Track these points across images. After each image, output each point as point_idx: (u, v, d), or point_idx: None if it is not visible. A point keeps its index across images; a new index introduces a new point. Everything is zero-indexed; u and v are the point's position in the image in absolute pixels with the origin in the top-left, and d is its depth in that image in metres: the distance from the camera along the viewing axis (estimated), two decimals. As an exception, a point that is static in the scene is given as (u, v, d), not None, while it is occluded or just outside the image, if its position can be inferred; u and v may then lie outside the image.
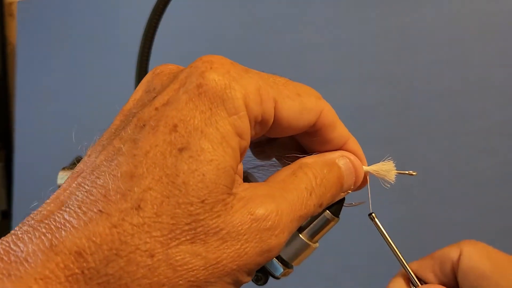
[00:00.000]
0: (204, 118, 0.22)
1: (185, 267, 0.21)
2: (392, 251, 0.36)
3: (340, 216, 0.31)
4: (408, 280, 0.38)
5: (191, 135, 0.22)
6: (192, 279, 0.21)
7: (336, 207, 0.30)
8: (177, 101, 0.23)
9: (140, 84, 0.26)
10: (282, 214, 0.24)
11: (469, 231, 0.70)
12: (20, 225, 0.22)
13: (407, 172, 0.33)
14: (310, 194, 0.26)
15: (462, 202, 0.72)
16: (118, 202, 0.21)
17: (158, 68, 0.26)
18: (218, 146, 0.22)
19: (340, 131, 0.28)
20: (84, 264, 0.20)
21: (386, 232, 0.35)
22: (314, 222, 0.30)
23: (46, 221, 0.21)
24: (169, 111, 0.22)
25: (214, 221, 0.22)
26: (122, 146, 0.22)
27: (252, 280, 0.30)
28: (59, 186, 0.42)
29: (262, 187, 0.25)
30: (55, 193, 0.23)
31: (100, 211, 0.21)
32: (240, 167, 0.26)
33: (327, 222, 0.30)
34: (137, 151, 0.22)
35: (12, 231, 0.21)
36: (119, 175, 0.21)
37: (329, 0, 0.80)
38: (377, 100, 0.76)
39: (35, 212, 0.22)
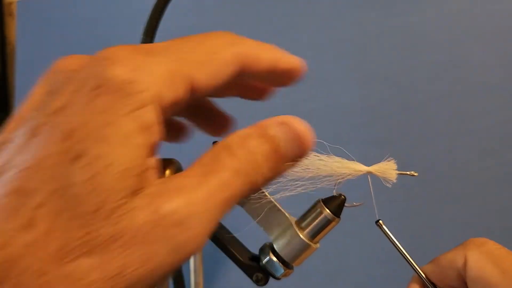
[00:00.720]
0: (103, 119, 0.21)
1: (83, 281, 0.20)
2: (403, 256, 0.36)
3: (341, 216, 0.31)
4: (423, 284, 0.37)
5: (87, 140, 0.20)
6: None
7: (337, 207, 0.30)
8: (75, 105, 0.21)
9: (38, 81, 0.24)
10: (195, 204, 0.22)
11: (469, 231, 0.70)
12: None
13: (408, 172, 0.33)
14: (234, 174, 0.23)
15: (462, 202, 0.72)
16: (8, 220, 0.19)
17: (56, 65, 0.24)
18: (118, 147, 0.21)
19: (266, 56, 0.27)
20: None
21: (395, 238, 0.35)
22: (315, 223, 0.30)
23: None
24: (64, 117, 0.21)
25: (112, 229, 0.20)
26: (13, 158, 0.21)
27: (253, 281, 0.30)
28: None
29: (176, 178, 0.23)
30: None
31: None
32: (155, 162, 0.23)
33: (328, 222, 0.30)
34: (28, 163, 0.20)
35: None
36: (9, 190, 0.20)
37: (329, 0, 0.80)
38: (377, 100, 0.76)
39: None
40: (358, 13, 0.79)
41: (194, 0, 0.88)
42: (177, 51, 0.24)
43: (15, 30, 1.05)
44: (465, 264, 0.33)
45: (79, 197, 0.20)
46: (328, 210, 0.30)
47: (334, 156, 0.30)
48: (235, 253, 0.31)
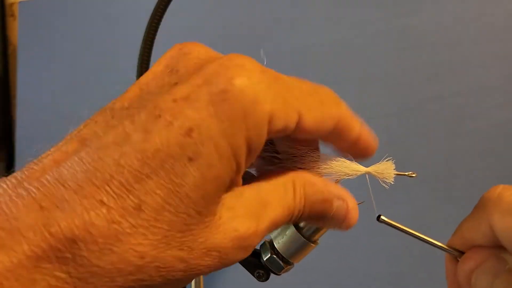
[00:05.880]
0: (221, 128, 0.22)
1: (168, 269, 0.22)
2: (420, 239, 0.36)
3: None
4: (453, 258, 0.36)
5: (203, 145, 0.21)
6: (170, 277, 0.22)
7: None
8: (198, 101, 0.22)
9: (163, 57, 0.25)
10: (261, 232, 0.25)
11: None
12: (11, 178, 0.22)
13: (406, 173, 0.33)
14: (292, 214, 0.27)
15: (462, 202, 0.72)
16: (121, 198, 0.21)
17: (186, 47, 0.25)
18: (226, 161, 0.22)
19: (357, 130, 0.29)
20: (76, 252, 0.20)
21: (402, 225, 0.35)
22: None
23: (42, 190, 0.21)
24: (187, 109, 0.21)
25: (203, 231, 0.22)
26: (132, 133, 0.21)
27: (255, 277, 0.31)
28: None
29: (249, 198, 0.25)
30: (52, 152, 0.23)
31: (102, 201, 0.20)
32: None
33: None
34: (148, 145, 0.21)
35: (3, 183, 0.21)
36: (126, 169, 0.21)
37: (329, 0, 0.81)
38: (376, 100, 0.77)
39: (27, 166, 0.22)
40: (358, 13, 0.79)
41: (195, 0, 0.88)
42: (295, 87, 0.25)
43: (17, 31, 1.06)
44: (491, 230, 0.31)
45: (189, 199, 0.21)
46: None
47: (335, 156, 0.30)
48: None
